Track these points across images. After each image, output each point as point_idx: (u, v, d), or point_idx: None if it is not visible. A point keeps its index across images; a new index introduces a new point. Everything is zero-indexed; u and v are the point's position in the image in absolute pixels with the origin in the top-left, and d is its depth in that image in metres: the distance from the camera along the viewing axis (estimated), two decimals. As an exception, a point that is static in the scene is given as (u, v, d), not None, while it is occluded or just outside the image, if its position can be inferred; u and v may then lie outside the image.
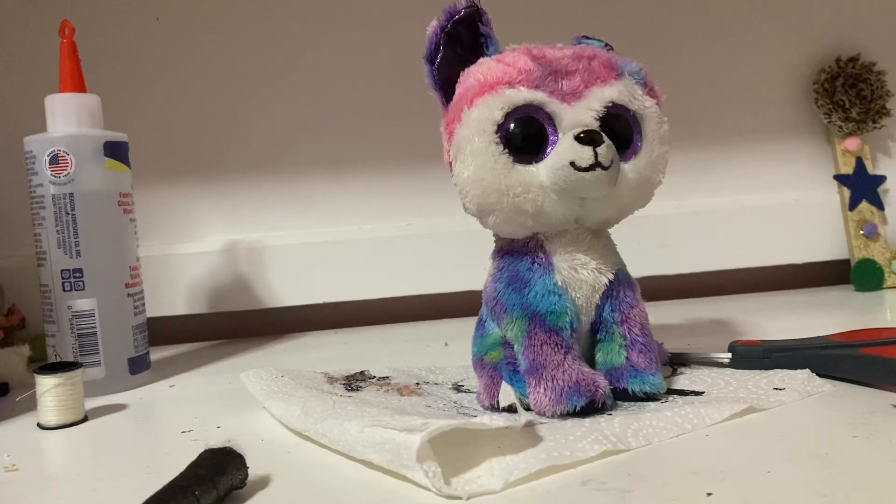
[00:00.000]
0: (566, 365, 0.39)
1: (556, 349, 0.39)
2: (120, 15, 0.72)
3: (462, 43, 0.42)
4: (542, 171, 0.39)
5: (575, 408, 0.38)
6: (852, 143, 0.79)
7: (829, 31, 0.81)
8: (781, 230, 0.79)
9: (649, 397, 0.41)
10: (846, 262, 0.80)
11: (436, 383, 0.48)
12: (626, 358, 0.41)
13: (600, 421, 0.36)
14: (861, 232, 0.78)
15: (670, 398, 0.41)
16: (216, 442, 0.32)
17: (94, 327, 0.52)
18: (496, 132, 0.39)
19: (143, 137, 0.67)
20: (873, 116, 0.79)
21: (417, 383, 0.47)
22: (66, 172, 0.51)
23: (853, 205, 0.79)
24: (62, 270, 0.51)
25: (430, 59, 0.42)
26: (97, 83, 0.56)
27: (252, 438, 0.39)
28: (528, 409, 0.39)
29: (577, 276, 0.41)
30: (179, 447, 0.39)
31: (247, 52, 0.74)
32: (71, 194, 0.51)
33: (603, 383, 0.39)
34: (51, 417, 0.44)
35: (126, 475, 0.35)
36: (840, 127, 0.79)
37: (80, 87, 0.53)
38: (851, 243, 0.78)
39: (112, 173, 0.53)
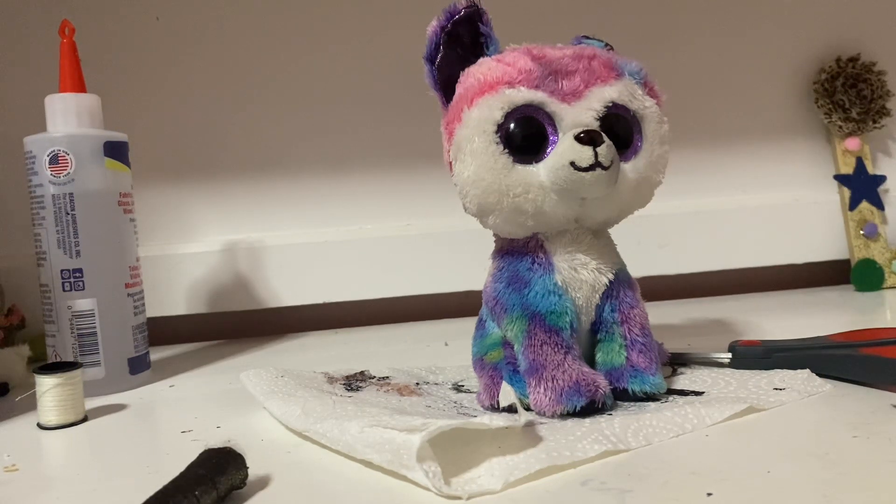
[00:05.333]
0: (566, 365, 0.39)
1: (556, 349, 0.39)
2: (120, 15, 0.72)
3: (462, 43, 0.42)
4: (543, 171, 0.39)
5: (575, 408, 0.38)
6: (852, 143, 0.79)
7: (829, 31, 0.81)
8: (781, 230, 0.79)
9: (649, 397, 0.41)
10: (846, 262, 0.80)
11: (436, 383, 0.48)
12: (626, 358, 0.41)
13: (600, 421, 0.36)
14: (861, 232, 0.78)
15: (670, 398, 0.41)
16: (216, 442, 0.32)
17: (94, 327, 0.51)
18: (496, 132, 0.39)
19: (143, 137, 0.66)
20: (873, 116, 0.79)
21: (417, 383, 0.47)
22: (65, 172, 0.51)
23: (853, 205, 0.79)
24: (62, 270, 0.51)
25: (430, 59, 0.42)
26: (97, 83, 0.56)
27: (252, 438, 0.39)
28: (528, 409, 0.39)
29: (577, 276, 0.41)
30: (179, 447, 0.39)
31: (247, 53, 0.74)
32: (71, 194, 0.51)
33: (603, 383, 0.39)
34: (51, 417, 0.44)
35: (126, 475, 0.35)
36: (840, 127, 0.79)
37: (80, 87, 0.53)
38: (851, 243, 0.78)
39: (112, 173, 0.53)
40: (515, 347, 0.41)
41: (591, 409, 0.38)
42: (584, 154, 0.38)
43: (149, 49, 0.73)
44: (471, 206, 0.41)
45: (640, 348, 0.41)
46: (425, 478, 0.30)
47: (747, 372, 0.45)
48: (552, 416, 0.38)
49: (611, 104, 0.40)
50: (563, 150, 0.38)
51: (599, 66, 0.41)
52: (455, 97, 0.41)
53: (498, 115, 0.39)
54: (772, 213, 0.79)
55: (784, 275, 0.81)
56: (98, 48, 0.70)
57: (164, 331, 0.71)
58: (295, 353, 0.65)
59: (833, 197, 0.80)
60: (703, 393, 0.42)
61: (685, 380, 0.44)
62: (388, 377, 0.49)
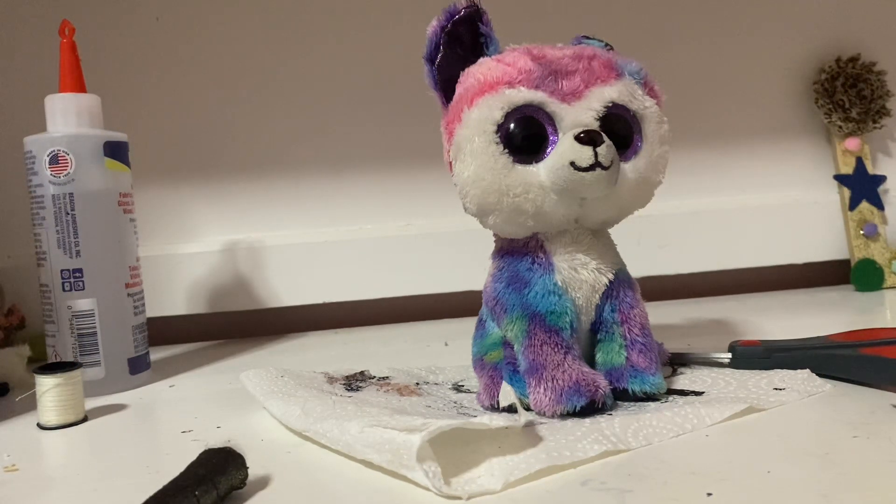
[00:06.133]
0: (566, 365, 0.39)
1: (556, 349, 0.39)
2: (120, 15, 0.72)
3: (462, 43, 0.41)
4: (543, 171, 0.39)
5: (575, 408, 0.38)
6: (852, 143, 0.79)
7: (829, 31, 0.81)
8: (781, 230, 0.79)
9: (649, 397, 0.41)
10: (846, 262, 0.80)
11: (436, 383, 0.48)
12: (626, 358, 0.41)
13: (600, 421, 0.36)
14: (861, 232, 0.78)
15: (670, 398, 0.41)
16: (216, 442, 0.32)
17: (94, 327, 0.51)
18: (496, 132, 0.39)
19: (143, 137, 0.67)
20: (873, 116, 0.79)
21: (417, 383, 0.47)
22: (65, 172, 0.51)
23: (853, 205, 0.79)
24: (62, 270, 0.51)
25: (430, 59, 0.42)
26: (97, 83, 0.56)
27: (252, 438, 0.39)
28: (528, 409, 0.39)
29: (577, 276, 0.41)
30: (179, 447, 0.39)
31: (247, 53, 0.74)
32: (71, 194, 0.51)
33: (603, 383, 0.39)
34: (51, 417, 0.44)
35: (126, 475, 0.35)
36: (840, 127, 0.79)
37: (80, 87, 0.53)
38: (851, 243, 0.78)
39: (112, 173, 0.53)
40: (515, 347, 0.41)
41: (591, 409, 0.38)
42: (584, 154, 0.38)
43: (149, 49, 0.73)
44: (471, 206, 0.41)
45: (640, 348, 0.41)
46: (425, 478, 0.30)
47: (747, 372, 0.45)
48: (552, 416, 0.38)
49: (611, 104, 0.40)
50: (563, 150, 0.38)
51: (599, 66, 0.41)
52: (455, 97, 0.41)
53: (498, 115, 0.39)
54: (772, 213, 0.79)
55: (784, 275, 0.81)
56: (98, 48, 0.70)
57: (164, 331, 0.71)
58: (295, 353, 0.65)
59: (833, 197, 0.80)
60: (703, 393, 0.42)
61: (685, 380, 0.44)
62: (388, 377, 0.49)
